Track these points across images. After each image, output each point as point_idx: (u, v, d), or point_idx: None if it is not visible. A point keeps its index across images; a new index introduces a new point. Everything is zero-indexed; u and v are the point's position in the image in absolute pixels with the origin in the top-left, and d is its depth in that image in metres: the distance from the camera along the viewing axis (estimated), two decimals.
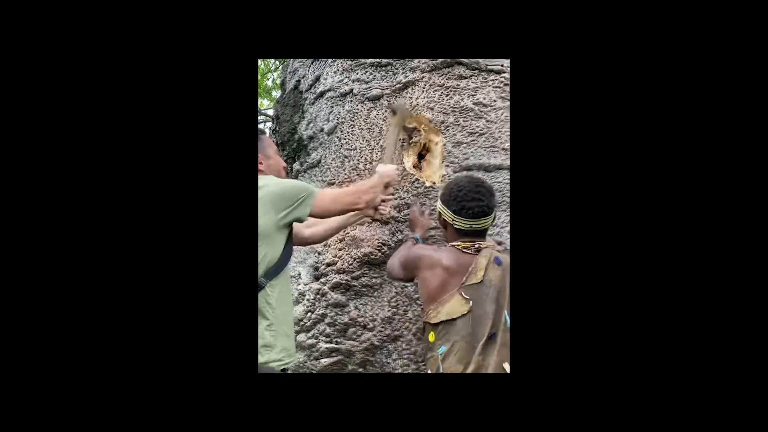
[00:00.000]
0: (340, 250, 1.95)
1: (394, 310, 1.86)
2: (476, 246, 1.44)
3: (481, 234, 1.49)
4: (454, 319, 1.35)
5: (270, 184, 1.47)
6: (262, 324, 1.36)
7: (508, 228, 1.86)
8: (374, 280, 1.90)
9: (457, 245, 1.45)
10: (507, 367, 1.32)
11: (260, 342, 1.34)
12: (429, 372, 1.40)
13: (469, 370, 1.30)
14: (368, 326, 1.85)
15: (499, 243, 1.64)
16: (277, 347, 1.37)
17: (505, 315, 1.37)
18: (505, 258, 1.45)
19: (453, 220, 1.46)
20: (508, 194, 1.96)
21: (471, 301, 1.35)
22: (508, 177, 1.99)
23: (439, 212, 1.52)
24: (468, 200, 1.43)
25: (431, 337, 1.39)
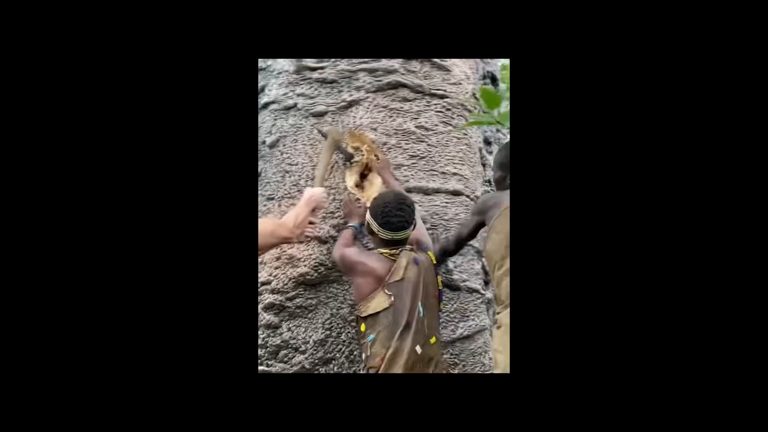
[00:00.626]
0: (276, 269, 1.93)
1: (328, 332, 1.86)
2: (398, 251, 1.67)
3: (402, 242, 1.70)
4: (378, 313, 1.60)
5: None
6: None
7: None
8: (309, 301, 1.90)
9: (383, 252, 1.68)
10: (418, 349, 1.57)
11: None
12: (362, 354, 1.65)
13: (390, 352, 1.55)
14: (300, 348, 1.85)
15: (418, 245, 1.76)
16: None
17: (419, 306, 1.61)
18: (422, 258, 1.69)
19: (378, 231, 1.68)
20: (446, 216, 2.02)
21: (392, 297, 1.60)
22: (445, 200, 2.04)
23: (368, 223, 1.72)
24: (391, 216, 1.65)
25: (362, 327, 1.64)
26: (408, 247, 1.70)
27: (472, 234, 1.79)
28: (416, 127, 2.08)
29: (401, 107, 2.10)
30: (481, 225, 1.73)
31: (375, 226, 1.68)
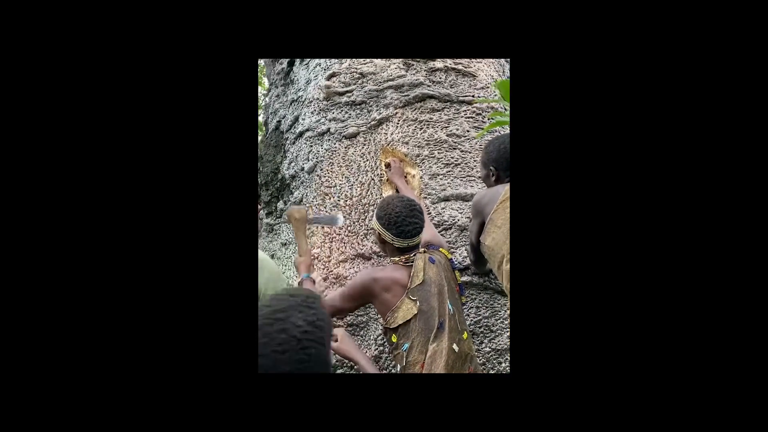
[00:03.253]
0: (325, 288, 1.97)
1: (381, 348, 1.86)
2: (412, 256, 1.64)
3: (415, 247, 1.67)
4: (408, 321, 1.55)
5: (264, 267, 1.53)
6: None
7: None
8: (359, 318, 1.91)
9: (399, 260, 1.64)
10: (455, 347, 1.53)
11: None
12: (398, 366, 1.58)
13: (428, 356, 1.51)
14: (355, 367, 1.86)
15: (428, 245, 1.74)
16: None
17: (448, 304, 1.57)
18: (437, 256, 1.66)
19: (393, 240, 1.63)
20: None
21: (418, 302, 1.56)
22: None
23: (378, 233, 1.66)
24: (406, 224, 1.61)
25: (393, 338, 1.59)
26: (421, 249, 1.67)
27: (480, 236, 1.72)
28: (447, 135, 2.08)
29: (430, 118, 2.11)
30: (483, 225, 1.65)
31: (389, 237, 1.62)
